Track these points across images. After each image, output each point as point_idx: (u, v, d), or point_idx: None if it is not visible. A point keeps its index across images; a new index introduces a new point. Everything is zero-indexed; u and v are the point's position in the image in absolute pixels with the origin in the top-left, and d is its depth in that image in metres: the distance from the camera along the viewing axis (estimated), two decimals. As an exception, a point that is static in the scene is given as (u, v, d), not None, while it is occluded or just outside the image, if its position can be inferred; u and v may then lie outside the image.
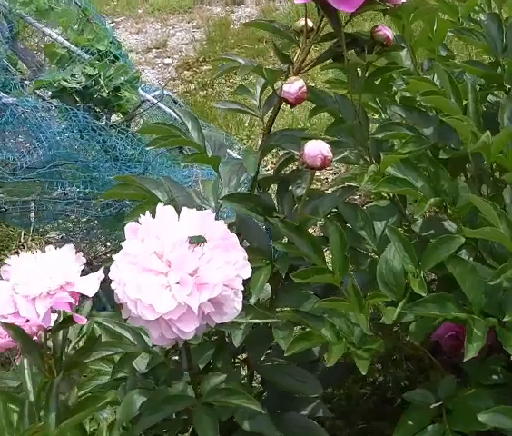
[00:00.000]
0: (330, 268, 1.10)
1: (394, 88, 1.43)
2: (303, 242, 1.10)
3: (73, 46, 1.92)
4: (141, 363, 1.15)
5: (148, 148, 1.32)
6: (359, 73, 1.22)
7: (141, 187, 1.27)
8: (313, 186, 1.63)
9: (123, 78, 1.88)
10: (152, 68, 4.41)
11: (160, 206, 0.88)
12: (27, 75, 1.99)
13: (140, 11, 5.61)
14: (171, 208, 0.88)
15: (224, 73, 1.24)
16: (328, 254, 1.18)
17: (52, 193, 2.01)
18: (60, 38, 1.92)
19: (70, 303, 0.82)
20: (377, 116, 1.44)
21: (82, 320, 0.84)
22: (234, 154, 1.79)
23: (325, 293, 1.27)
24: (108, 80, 1.86)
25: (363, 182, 1.10)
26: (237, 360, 1.37)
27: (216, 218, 1.41)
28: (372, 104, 1.45)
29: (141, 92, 1.98)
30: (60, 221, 2.36)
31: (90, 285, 0.84)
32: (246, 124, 3.31)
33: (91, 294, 0.84)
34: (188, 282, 0.82)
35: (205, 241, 0.83)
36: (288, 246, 1.12)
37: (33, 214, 2.22)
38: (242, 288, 0.85)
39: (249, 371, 1.29)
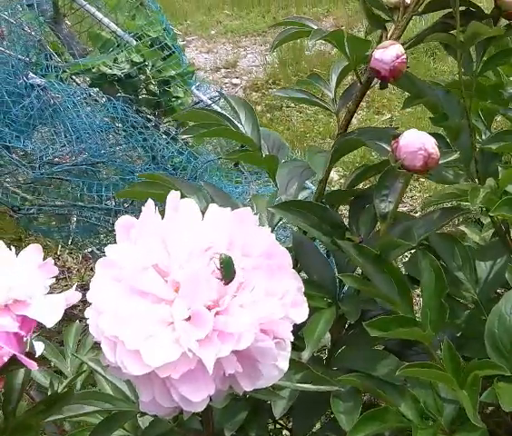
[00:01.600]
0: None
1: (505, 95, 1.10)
2: (384, 279, 0.77)
3: (120, 30, 1.64)
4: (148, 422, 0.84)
5: (183, 136, 1.01)
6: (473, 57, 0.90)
7: (171, 188, 0.96)
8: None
9: (174, 72, 1.59)
10: (220, 88, 4.18)
11: (173, 194, 0.56)
12: (68, 61, 1.73)
13: (212, 32, 5.45)
14: (193, 202, 0.57)
15: (287, 40, 0.93)
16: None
17: (84, 199, 1.72)
18: (106, 19, 1.65)
19: (16, 335, 0.52)
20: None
21: (31, 364, 0.52)
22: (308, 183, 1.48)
23: (398, 352, 0.95)
24: (156, 71, 1.57)
25: (477, 201, 0.77)
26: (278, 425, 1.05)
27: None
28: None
29: (195, 91, 1.69)
30: (102, 236, 2.08)
31: (51, 310, 0.53)
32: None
33: (49, 324, 0.53)
34: (204, 319, 0.50)
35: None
36: (362, 282, 0.79)
37: (73, 225, 1.96)
38: (292, 338, 0.53)
39: (294, 446, 0.95)
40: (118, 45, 1.63)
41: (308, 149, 0.88)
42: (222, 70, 4.37)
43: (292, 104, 3.65)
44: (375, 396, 0.80)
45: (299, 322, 0.54)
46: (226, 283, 0.51)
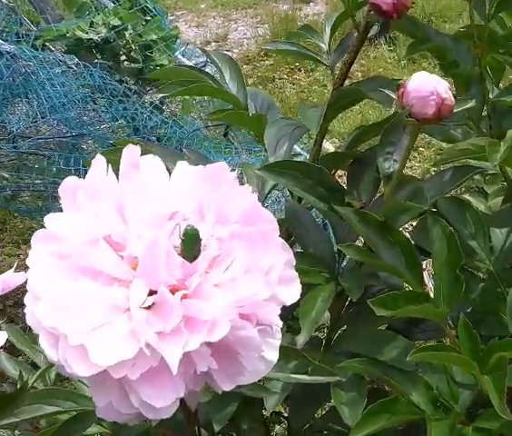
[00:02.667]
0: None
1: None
2: (390, 249, 0.66)
3: (96, -8, 1.52)
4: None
5: (160, 95, 0.89)
6: None
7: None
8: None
9: (155, 36, 1.47)
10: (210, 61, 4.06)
11: (131, 148, 0.45)
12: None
13: (202, 6, 5.32)
14: (157, 159, 0.46)
15: None
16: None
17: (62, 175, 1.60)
18: (81, -19, 1.53)
19: None
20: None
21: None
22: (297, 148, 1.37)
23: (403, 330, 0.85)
24: (137, 35, 1.45)
25: (498, 156, 0.65)
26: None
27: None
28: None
29: (180, 57, 1.57)
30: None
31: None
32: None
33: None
34: (167, 305, 0.39)
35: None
36: (365, 254, 0.68)
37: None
38: (280, 323, 0.42)
39: (290, 438, 0.85)
40: (95, 9, 1.51)
41: (300, 105, 0.77)
42: (213, 43, 4.26)
43: (285, 76, 3.54)
44: (383, 383, 0.69)
45: (289, 302, 0.43)
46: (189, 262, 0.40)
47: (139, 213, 0.42)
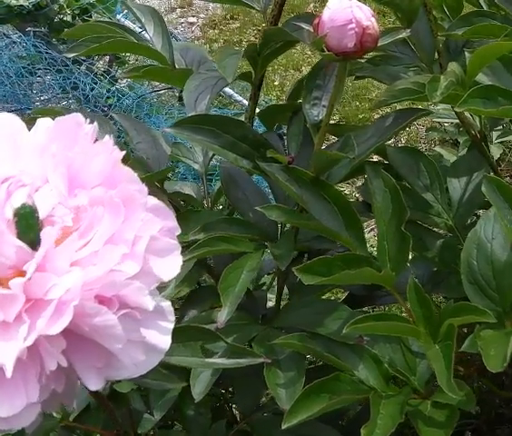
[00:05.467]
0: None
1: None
2: (325, 208, 0.58)
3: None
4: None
5: (69, 55, 0.80)
6: None
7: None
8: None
9: (93, -2, 1.37)
10: (175, 28, 3.94)
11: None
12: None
13: (166, -28, 5.18)
14: (9, 117, 0.38)
15: None
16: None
17: None
18: None
19: None
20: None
21: None
22: (230, 91, 1.28)
23: (364, 296, 0.78)
24: (72, -1, 1.35)
25: (438, 93, 0.57)
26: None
27: (206, 183, 0.90)
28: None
29: (122, 20, 1.47)
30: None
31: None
32: (276, 83, 2.81)
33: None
34: (9, 296, 0.31)
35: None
36: (293, 215, 0.60)
37: None
38: (151, 305, 0.34)
39: (239, 423, 0.78)
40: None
41: (218, 50, 0.68)
42: (178, 10, 4.13)
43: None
44: (323, 361, 0.61)
45: (166, 278, 0.35)
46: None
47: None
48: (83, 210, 0.34)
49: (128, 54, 1.57)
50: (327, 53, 0.53)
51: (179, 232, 0.37)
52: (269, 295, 0.83)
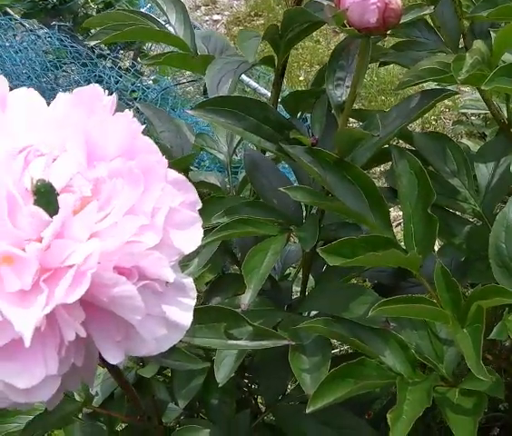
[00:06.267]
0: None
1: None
2: (350, 189, 0.57)
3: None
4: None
5: (90, 43, 0.80)
6: None
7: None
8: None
9: (117, -9, 1.37)
10: (201, 26, 3.96)
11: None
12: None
13: (190, -31, 5.20)
14: (30, 92, 0.37)
15: None
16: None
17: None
18: None
19: None
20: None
21: None
22: (255, 84, 1.27)
23: (390, 287, 0.76)
24: (97, -8, 1.36)
25: (462, 72, 0.56)
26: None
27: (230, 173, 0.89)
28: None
29: (142, 12, 1.47)
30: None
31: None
32: (301, 79, 2.80)
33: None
34: (24, 260, 0.31)
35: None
36: (317, 196, 0.59)
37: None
38: (172, 277, 0.33)
39: (264, 413, 0.77)
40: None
41: (239, 33, 0.67)
42: (202, 8, 4.13)
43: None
44: (349, 345, 0.60)
45: (187, 250, 0.35)
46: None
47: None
48: (103, 181, 0.34)
49: (153, 48, 1.57)
50: (349, 29, 0.52)
51: (200, 206, 0.36)
52: (294, 287, 0.82)
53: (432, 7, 0.58)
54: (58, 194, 0.32)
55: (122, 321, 0.33)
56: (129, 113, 0.34)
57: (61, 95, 0.38)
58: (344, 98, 0.58)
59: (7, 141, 0.34)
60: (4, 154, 0.32)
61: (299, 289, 0.81)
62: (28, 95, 0.38)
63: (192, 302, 0.38)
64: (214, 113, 0.59)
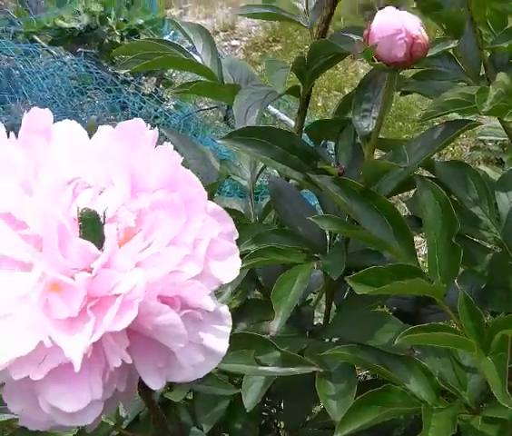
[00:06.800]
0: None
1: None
2: (375, 218, 0.59)
3: (79, -20, 1.46)
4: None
5: (120, 71, 0.82)
6: None
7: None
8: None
9: (141, 20, 1.40)
10: (222, 53, 4.01)
11: (37, 113, 0.38)
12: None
13: (209, -4, 5.26)
14: (72, 124, 0.39)
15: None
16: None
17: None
18: (63, -31, 1.47)
19: None
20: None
21: None
22: (275, 110, 1.29)
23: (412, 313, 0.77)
24: (123, 20, 1.38)
25: (486, 104, 0.57)
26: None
27: (253, 200, 0.90)
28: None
29: (169, 41, 1.49)
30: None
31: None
32: (319, 104, 2.82)
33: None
34: (72, 288, 0.32)
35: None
36: (344, 224, 0.60)
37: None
38: (212, 306, 0.35)
39: (287, 437, 0.78)
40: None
41: (266, 64, 0.69)
42: (221, 33, 4.19)
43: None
44: (374, 372, 0.61)
45: (226, 280, 0.36)
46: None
47: (40, 185, 0.35)
48: (145, 212, 0.35)
49: (174, 74, 1.60)
50: (377, 63, 0.54)
51: (237, 236, 0.38)
52: (315, 313, 0.83)
53: (456, 41, 0.60)
54: (104, 223, 0.34)
55: (164, 348, 0.34)
56: (170, 145, 0.36)
57: (103, 129, 0.40)
58: (370, 129, 0.59)
59: (53, 172, 0.36)
60: (52, 186, 0.34)
61: (320, 314, 0.82)
62: (70, 127, 0.40)
63: (228, 330, 0.39)
64: (242, 143, 0.61)
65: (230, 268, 0.36)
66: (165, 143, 0.37)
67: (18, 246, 0.34)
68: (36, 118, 0.38)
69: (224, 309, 0.38)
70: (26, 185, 0.36)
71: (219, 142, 0.63)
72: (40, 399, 0.33)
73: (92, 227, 0.33)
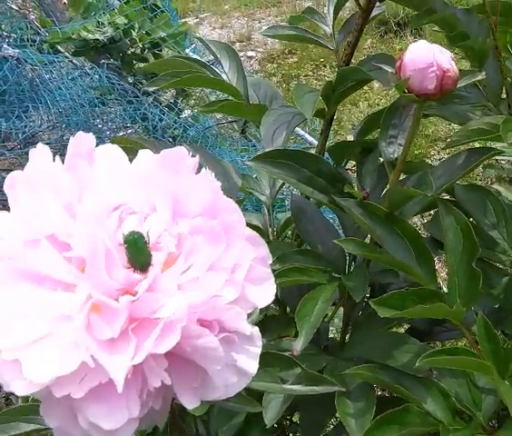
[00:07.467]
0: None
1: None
2: (398, 242, 0.60)
3: (102, -9, 1.48)
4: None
5: (150, 88, 0.84)
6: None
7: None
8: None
9: (164, 33, 1.42)
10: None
11: (82, 137, 0.40)
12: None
13: (226, 7, 5.28)
14: (114, 148, 0.41)
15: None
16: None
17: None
18: (87, -19, 1.49)
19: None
20: None
21: None
22: (301, 132, 1.31)
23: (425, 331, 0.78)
24: (145, 33, 1.40)
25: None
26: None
27: (271, 215, 0.92)
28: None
29: (190, 53, 1.52)
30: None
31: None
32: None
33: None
34: (112, 308, 0.34)
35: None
36: (367, 248, 0.61)
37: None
38: (248, 329, 0.36)
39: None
40: (102, 9, 1.47)
41: (295, 88, 0.71)
42: (237, 44, 4.20)
43: (310, 72, 3.47)
44: (392, 392, 0.63)
45: (262, 305, 0.37)
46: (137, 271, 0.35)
47: (85, 208, 0.37)
48: (184, 237, 0.37)
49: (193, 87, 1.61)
50: (408, 94, 0.55)
51: (271, 261, 0.39)
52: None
53: (484, 73, 0.61)
54: (147, 242, 0.35)
55: (200, 368, 0.36)
56: (209, 172, 0.38)
57: (142, 154, 0.42)
58: (396, 155, 0.61)
59: (97, 196, 0.37)
60: (97, 210, 0.35)
61: (331, 327, 0.83)
62: (111, 150, 0.42)
63: (258, 351, 0.40)
64: (270, 165, 0.62)
65: (266, 293, 0.37)
66: (203, 169, 0.39)
67: (61, 267, 0.36)
68: (82, 142, 0.39)
69: (255, 330, 0.40)
70: (70, 208, 0.38)
71: (248, 163, 0.64)
72: (79, 415, 0.35)
73: (136, 248, 0.35)
